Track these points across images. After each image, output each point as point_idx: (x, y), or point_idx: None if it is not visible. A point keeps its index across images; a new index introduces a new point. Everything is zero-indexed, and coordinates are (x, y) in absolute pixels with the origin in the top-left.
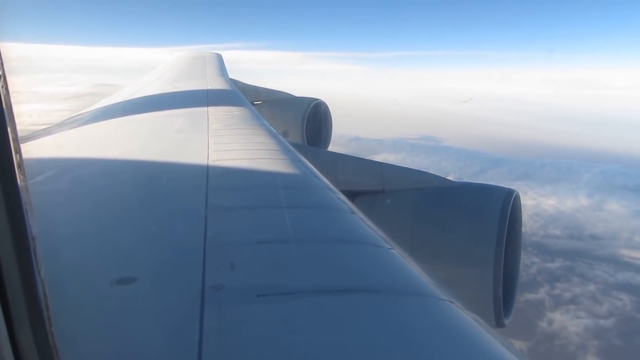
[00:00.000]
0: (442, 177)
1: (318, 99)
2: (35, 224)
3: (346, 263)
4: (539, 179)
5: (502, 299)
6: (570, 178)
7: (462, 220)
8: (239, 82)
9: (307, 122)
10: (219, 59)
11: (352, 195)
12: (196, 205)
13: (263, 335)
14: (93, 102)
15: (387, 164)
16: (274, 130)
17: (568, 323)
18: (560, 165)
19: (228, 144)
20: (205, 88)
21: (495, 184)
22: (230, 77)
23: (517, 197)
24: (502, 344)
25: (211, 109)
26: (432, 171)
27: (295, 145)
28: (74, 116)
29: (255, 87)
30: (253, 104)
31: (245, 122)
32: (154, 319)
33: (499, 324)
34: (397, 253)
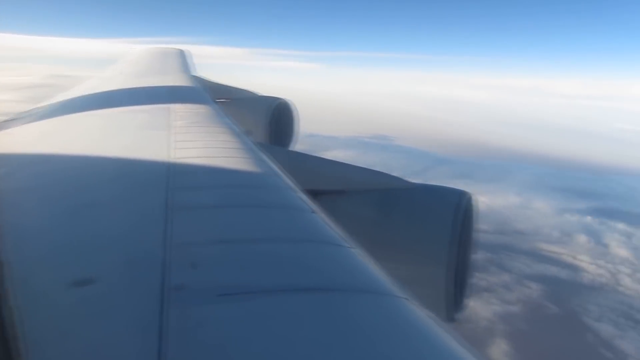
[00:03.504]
0: (402, 179)
1: (283, 98)
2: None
3: (307, 262)
4: (476, 178)
5: (454, 296)
6: (505, 178)
7: (419, 221)
8: (203, 79)
9: (272, 121)
10: (183, 55)
11: (314, 194)
12: (157, 205)
13: (224, 334)
14: (46, 93)
15: (349, 164)
16: (238, 129)
17: (479, 309)
18: (497, 166)
19: (190, 142)
20: (168, 84)
21: (436, 182)
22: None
23: (471, 199)
24: (453, 338)
25: (174, 106)
26: (379, 169)
27: (258, 145)
28: (30, 110)
29: (219, 84)
30: (217, 102)
31: (209, 120)
32: (113, 321)
33: (451, 319)
34: (357, 252)
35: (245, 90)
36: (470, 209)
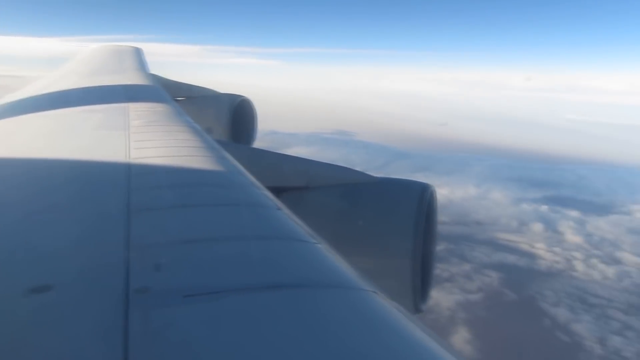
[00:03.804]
0: (364, 173)
1: (243, 96)
2: None
3: (274, 259)
4: (436, 171)
5: (420, 287)
6: (464, 170)
7: (382, 214)
8: (161, 77)
9: (233, 119)
10: (139, 52)
11: (277, 191)
12: (117, 206)
13: (191, 335)
14: None
15: (312, 160)
16: (198, 127)
17: (442, 299)
18: (456, 158)
19: (150, 142)
20: (124, 83)
21: (397, 176)
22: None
23: (433, 192)
24: (420, 329)
25: (131, 105)
26: (340, 164)
27: (220, 142)
28: None
29: (177, 82)
30: (175, 100)
31: (168, 119)
32: (74, 327)
33: (417, 310)
34: (323, 248)
35: (205, 88)
36: (433, 201)
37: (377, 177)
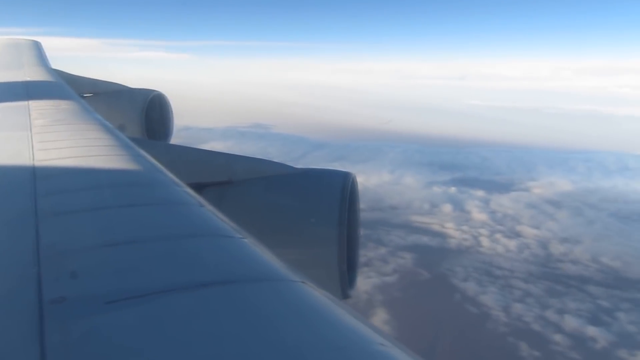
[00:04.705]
0: (286, 165)
1: (157, 90)
2: None
3: (199, 257)
4: (352, 160)
5: (346, 274)
6: (378, 157)
7: (307, 205)
8: (63, 72)
9: (147, 115)
10: (37, 46)
11: (198, 188)
12: (23, 213)
13: (115, 343)
14: None
15: (232, 154)
16: (110, 125)
17: (359, 283)
18: (371, 146)
19: (56, 142)
20: (23, 79)
21: (316, 167)
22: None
23: (355, 180)
24: (351, 314)
25: (33, 103)
26: (257, 157)
27: (134, 140)
28: None
29: (83, 78)
30: (82, 97)
31: (76, 117)
32: None
33: (345, 295)
34: (249, 242)
35: (114, 84)
36: (354, 188)
37: (299, 169)
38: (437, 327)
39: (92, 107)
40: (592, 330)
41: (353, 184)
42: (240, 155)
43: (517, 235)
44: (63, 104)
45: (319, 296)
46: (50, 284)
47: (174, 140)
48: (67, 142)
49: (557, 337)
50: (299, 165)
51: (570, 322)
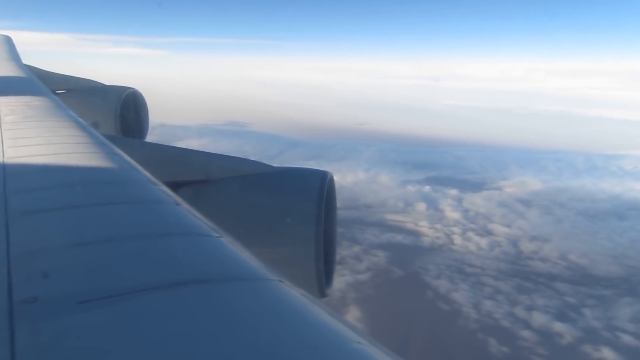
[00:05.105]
0: (264, 164)
1: (132, 87)
2: None
3: (175, 256)
4: (327, 158)
5: (324, 273)
6: (353, 156)
7: (284, 204)
8: (35, 68)
9: (121, 112)
10: (8, 41)
11: (175, 186)
12: None
13: (88, 344)
14: None
15: (209, 152)
16: (83, 122)
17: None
18: (347, 145)
19: (28, 139)
20: None
21: (292, 165)
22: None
23: (332, 179)
24: (328, 313)
25: (3, 99)
26: (233, 155)
27: (109, 138)
28: None
29: (56, 74)
30: (55, 93)
31: (48, 113)
32: None
33: (322, 294)
34: (226, 241)
35: (88, 80)
36: (332, 187)
37: (276, 167)
38: (409, 324)
39: (65, 104)
40: (558, 326)
41: (330, 183)
42: (217, 154)
43: (489, 233)
44: (35, 101)
45: (296, 295)
46: (21, 283)
47: (148, 137)
48: (39, 140)
49: (525, 333)
50: (275, 164)
51: (538, 319)
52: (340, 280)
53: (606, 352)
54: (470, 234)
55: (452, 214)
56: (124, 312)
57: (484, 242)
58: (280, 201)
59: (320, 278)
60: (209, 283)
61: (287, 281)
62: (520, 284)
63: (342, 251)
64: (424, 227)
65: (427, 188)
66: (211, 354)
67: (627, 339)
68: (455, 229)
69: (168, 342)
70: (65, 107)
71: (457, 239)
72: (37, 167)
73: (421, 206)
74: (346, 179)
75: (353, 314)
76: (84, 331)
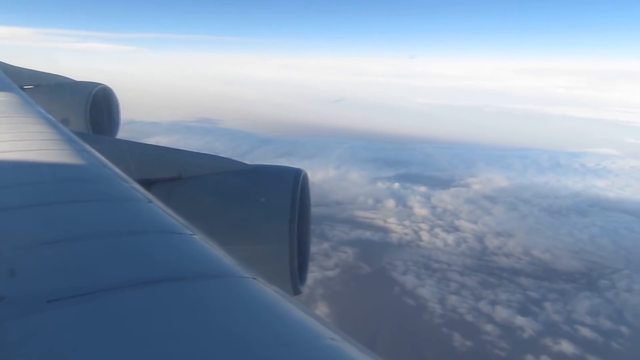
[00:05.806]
0: (238, 161)
1: (102, 84)
2: None
3: (148, 254)
4: (299, 156)
5: (297, 270)
6: (325, 153)
7: (258, 201)
8: (1, 62)
9: (91, 109)
10: None
11: (147, 184)
12: None
13: (57, 343)
14: None
15: (182, 149)
16: (52, 119)
17: None
18: (318, 142)
19: None
20: None
21: (263, 162)
22: None
23: (306, 176)
24: (302, 310)
25: None
26: (205, 152)
27: (79, 134)
28: None
29: (23, 69)
30: (22, 89)
31: (15, 109)
32: None
33: (296, 291)
34: (199, 238)
35: (57, 76)
36: (306, 185)
37: (249, 165)
38: (377, 320)
39: (34, 100)
40: (520, 320)
41: (304, 180)
42: (190, 151)
43: (456, 229)
44: (1, 96)
45: (270, 292)
46: None
47: (119, 135)
48: (6, 136)
49: (488, 327)
50: (246, 161)
51: (501, 313)
52: (309, 277)
53: (565, 345)
54: (438, 230)
55: (420, 210)
56: (95, 311)
57: (450, 238)
58: (253, 199)
59: (294, 275)
60: (182, 281)
61: (261, 278)
62: (485, 279)
63: (312, 248)
64: (392, 223)
65: (396, 185)
66: (185, 352)
67: (585, 331)
68: (423, 226)
69: (141, 340)
70: (33, 103)
71: (425, 236)
72: (4, 164)
73: (390, 203)
74: (317, 175)
75: (321, 310)
76: (53, 330)
